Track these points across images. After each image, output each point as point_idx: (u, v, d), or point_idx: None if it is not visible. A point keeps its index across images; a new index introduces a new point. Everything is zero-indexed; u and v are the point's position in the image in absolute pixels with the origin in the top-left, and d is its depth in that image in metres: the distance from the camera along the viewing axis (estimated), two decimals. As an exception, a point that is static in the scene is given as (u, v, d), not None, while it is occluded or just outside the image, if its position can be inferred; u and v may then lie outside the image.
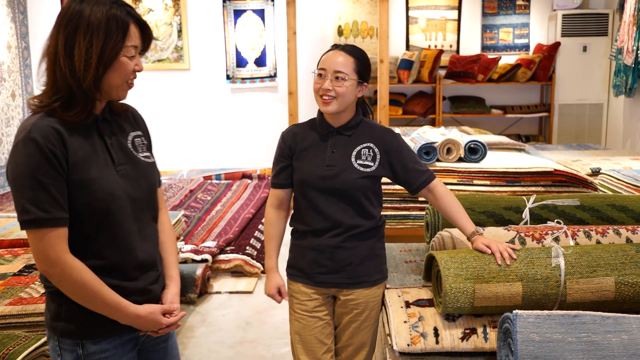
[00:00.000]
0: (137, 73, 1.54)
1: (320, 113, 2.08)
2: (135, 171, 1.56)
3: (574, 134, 6.25)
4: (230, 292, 3.91)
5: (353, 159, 2.05)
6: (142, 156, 1.60)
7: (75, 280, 1.42)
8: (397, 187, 3.09)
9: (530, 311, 1.55)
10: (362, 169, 2.05)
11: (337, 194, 2.02)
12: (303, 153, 2.05)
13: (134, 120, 1.66)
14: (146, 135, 1.68)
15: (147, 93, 6.51)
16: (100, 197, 1.45)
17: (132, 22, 1.48)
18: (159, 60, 6.59)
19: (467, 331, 1.87)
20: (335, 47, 2.06)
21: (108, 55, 1.43)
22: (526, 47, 6.54)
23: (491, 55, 6.32)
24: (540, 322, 1.51)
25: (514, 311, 1.55)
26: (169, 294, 1.64)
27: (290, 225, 2.12)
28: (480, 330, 1.87)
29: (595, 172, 3.67)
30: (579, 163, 4.00)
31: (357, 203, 2.03)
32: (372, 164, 2.06)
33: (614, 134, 5.99)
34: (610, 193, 2.84)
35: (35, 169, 1.37)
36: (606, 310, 1.88)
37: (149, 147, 1.67)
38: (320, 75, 2.03)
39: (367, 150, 2.08)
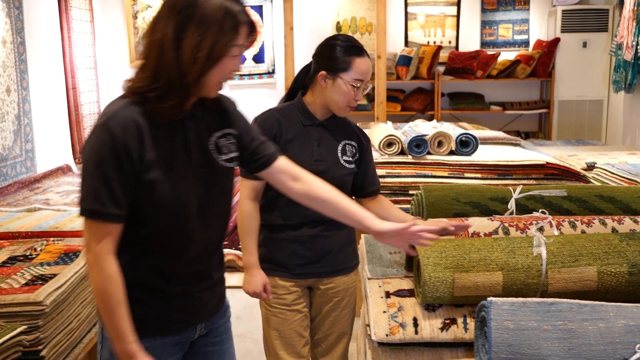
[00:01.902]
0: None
1: (302, 102, 2.06)
2: (212, 176, 1.50)
3: (574, 131, 6.20)
4: (222, 287, 3.90)
5: (339, 155, 2.03)
6: (224, 159, 1.52)
7: (99, 282, 1.37)
8: (388, 180, 3.06)
9: (506, 298, 1.52)
10: (347, 165, 2.03)
11: None
12: (288, 145, 2.01)
13: (226, 115, 1.56)
14: (239, 128, 1.58)
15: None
16: (170, 201, 1.41)
17: (245, 20, 1.41)
18: (157, 57, 6.57)
19: (447, 321, 1.84)
20: (364, 52, 1.97)
21: (218, 52, 1.37)
22: (526, 43, 6.49)
23: (490, 52, 6.27)
24: (515, 309, 1.48)
25: (489, 298, 1.52)
26: None
27: (261, 219, 2.05)
28: (460, 320, 1.84)
29: (590, 167, 3.62)
30: (574, 158, 3.95)
31: None
32: (353, 161, 2.05)
33: (614, 131, 5.93)
34: (597, 184, 2.80)
35: (103, 161, 1.33)
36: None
37: (240, 142, 1.58)
38: (356, 87, 1.96)
39: (350, 146, 2.06)
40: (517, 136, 6.10)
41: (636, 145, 5.26)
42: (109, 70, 6.34)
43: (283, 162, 1.65)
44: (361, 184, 2.10)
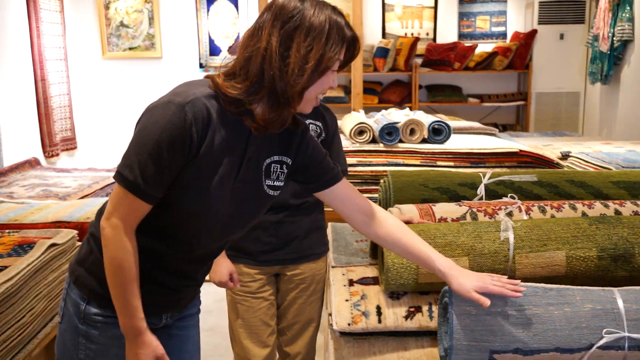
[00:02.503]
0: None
1: None
2: (250, 195, 1.42)
3: (551, 123, 6.18)
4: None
5: None
6: (268, 184, 1.46)
7: (117, 256, 1.32)
8: (359, 169, 2.99)
9: (466, 283, 1.45)
10: None
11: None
12: None
13: (290, 141, 1.47)
14: (299, 161, 1.49)
15: (118, 82, 6.36)
16: (198, 203, 1.34)
17: (349, 35, 1.34)
18: (130, 49, 6.44)
19: (412, 309, 1.77)
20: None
21: (325, 64, 1.30)
22: (503, 35, 6.46)
23: (468, 43, 6.23)
24: (476, 294, 1.41)
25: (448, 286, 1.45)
26: None
27: None
28: (425, 308, 1.77)
29: (565, 156, 3.58)
30: (549, 147, 3.91)
31: None
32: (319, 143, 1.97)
33: (591, 122, 5.92)
34: (568, 169, 2.75)
35: (165, 140, 1.26)
36: (558, 287, 1.79)
37: (287, 177, 1.51)
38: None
39: (315, 127, 1.99)
40: (495, 128, 6.06)
41: (612, 136, 5.25)
42: (80, 62, 6.20)
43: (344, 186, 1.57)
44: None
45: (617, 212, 1.97)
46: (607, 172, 2.29)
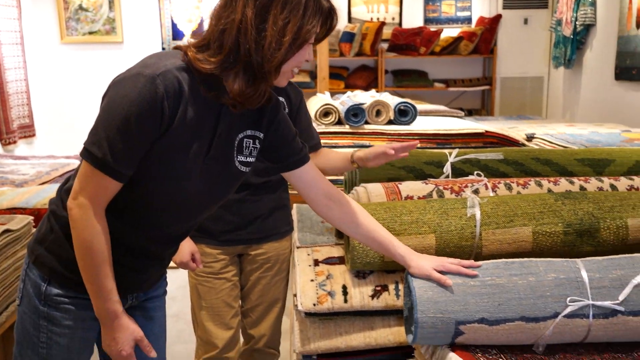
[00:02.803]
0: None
1: None
2: (221, 172, 1.37)
3: (516, 107, 6.23)
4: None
5: None
6: (240, 161, 1.40)
7: (85, 237, 1.26)
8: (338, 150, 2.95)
9: (431, 257, 1.43)
10: None
11: None
12: None
13: (262, 117, 1.42)
14: (271, 137, 1.44)
15: (77, 68, 6.19)
16: (167, 180, 1.28)
17: (327, 6, 1.29)
18: (89, 33, 6.26)
19: (378, 288, 1.74)
20: None
21: (303, 36, 1.24)
22: (468, 19, 6.47)
23: (433, 28, 6.22)
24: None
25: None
26: None
27: None
28: (391, 287, 1.74)
29: (530, 138, 3.60)
30: (514, 129, 3.92)
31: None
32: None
33: (554, 106, 5.99)
34: (533, 148, 2.75)
35: (135, 114, 1.19)
36: (524, 262, 1.78)
37: (262, 152, 1.45)
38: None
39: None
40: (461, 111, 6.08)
41: (575, 119, 5.31)
42: (37, 47, 6.01)
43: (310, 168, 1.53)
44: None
45: (582, 188, 1.97)
46: (572, 150, 2.30)
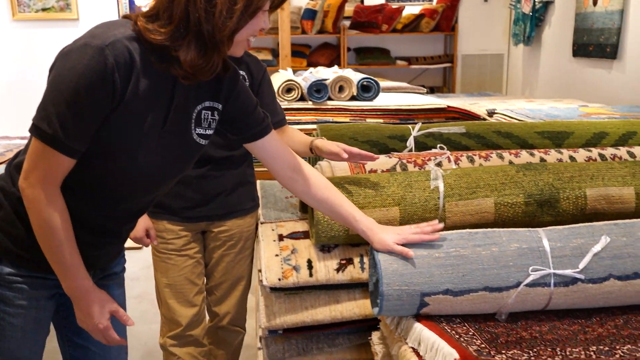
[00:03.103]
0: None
1: None
2: (178, 146, 1.31)
3: (477, 84, 6.29)
4: (118, 249, 3.66)
5: None
6: (199, 133, 1.36)
7: (44, 217, 1.22)
8: (301, 126, 2.92)
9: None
10: None
11: None
12: None
13: (220, 87, 1.37)
14: (229, 108, 1.39)
15: (30, 47, 5.98)
16: (122, 155, 1.23)
17: None
18: (43, 10, 6.05)
19: (343, 262, 1.74)
20: None
21: (255, 3, 1.20)
22: (430, -3, 6.48)
23: (395, 5, 6.20)
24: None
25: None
26: None
27: None
28: (357, 260, 1.74)
29: (491, 113, 3.64)
30: (476, 105, 3.96)
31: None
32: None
33: (514, 83, 6.07)
34: (495, 121, 2.78)
35: (84, 87, 1.14)
36: (486, 234, 1.80)
37: (218, 125, 1.40)
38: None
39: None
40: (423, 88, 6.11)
41: (534, 95, 5.39)
42: (-13, 23, 5.79)
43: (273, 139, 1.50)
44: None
45: (542, 160, 2.00)
46: (532, 122, 2.33)
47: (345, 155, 1.72)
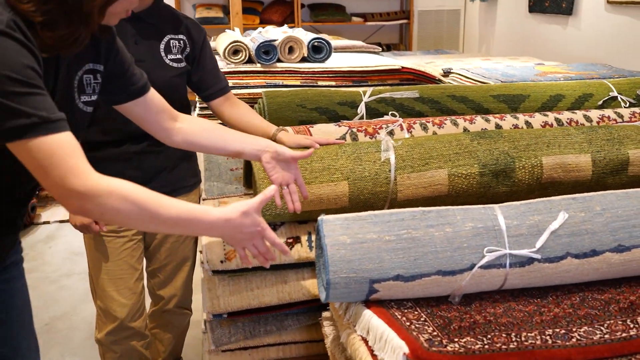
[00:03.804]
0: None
1: None
2: (70, 120, 1.13)
3: (433, 41, 6.18)
4: (61, 222, 3.48)
5: (163, 53, 1.70)
6: (84, 101, 1.22)
7: (119, 208, 1.06)
8: (235, 92, 2.76)
9: (340, 215, 1.32)
10: (174, 64, 1.72)
11: None
12: None
13: (99, 46, 1.24)
14: (108, 70, 1.27)
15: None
16: None
17: None
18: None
19: (290, 240, 1.63)
20: None
21: None
22: (385, -50, 6.27)
23: (350, -41, 6.00)
24: (349, 223, 1.29)
25: (320, 216, 1.31)
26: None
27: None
28: (304, 238, 1.64)
29: (447, 73, 3.54)
30: (431, 65, 3.86)
31: (170, 104, 1.70)
32: (182, 58, 1.73)
33: (471, 40, 5.98)
34: (449, 84, 2.69)
35: (17, 64, 0.98)
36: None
37: (105, 81, 1.26)
38: None
39: (176, 41, 1.74)
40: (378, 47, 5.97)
41: (491, 52, 5.32)
42: None
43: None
44: (202, 83, 1.79)
45: (497, 126, 1.92)
46: (488, 86, 2.24)
47: (318, 146, 1.62)
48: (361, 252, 1.25)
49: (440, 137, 1.72)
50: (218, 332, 1.69)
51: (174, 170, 1.77)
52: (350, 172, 1.60)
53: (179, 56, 1.70)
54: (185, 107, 1.77)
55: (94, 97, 1.25)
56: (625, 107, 2.19)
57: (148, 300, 1.92)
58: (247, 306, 1.63)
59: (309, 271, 1.67)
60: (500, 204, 1.38)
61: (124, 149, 1.69)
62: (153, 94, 1.39)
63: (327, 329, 1.55)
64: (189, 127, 1.44)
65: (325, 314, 1.59)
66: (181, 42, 1.73)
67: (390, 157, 1.64)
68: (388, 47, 6.20)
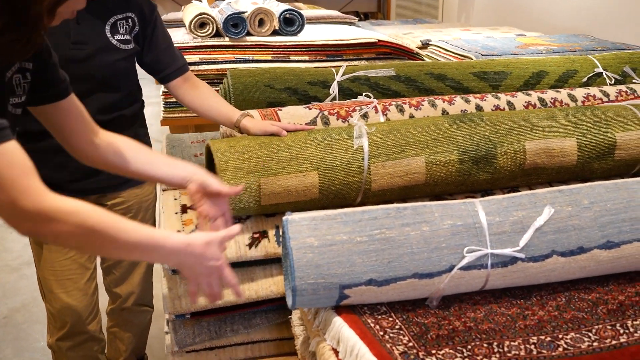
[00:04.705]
0: None
1: None
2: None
3: (412, 9, 6.01)
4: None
5: (109, 34, 1.54)
6: (14, 103, 1.10)
7: (83, 231, 0.95)
8: (202, 67, 2.61)
9: (306, 214, 1.20)
10: (122, 45, 1.55)
11: (92, 81, 1.51)
12: None
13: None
14: (35, 68, 1.13)
15: None
16: None
17: None
18: None
19: (256, 235, 1.52)
20: None
21: None
22: None
23: None
24: (317, 223, 1.17)
25: (285, 215, 1.20)
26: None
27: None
28: (271, 232, 1.52)
29: (425, 44, 3.41)
30: (409, 36, 3.71)
31: (117, 90, 1.55)
32: (131, 39, 1.57)
33: (450, 8, 5.82)
34: (427, 61, 2.56)
35: None
36: (417, 197, 1.62)
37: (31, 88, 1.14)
38: None
39: (124, 21, 1.57)
40: (356, 17, 5.79)
41: (470, 21, 5.18)
42: None
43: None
44: (156, 64, 1.63)
45: (478, 107, 1.81)
46: (468, 62, 2.12)
47: (285, 133, 1.50)
48: (330, 255, 1.14)
49: (417, 122, 1.60)
50: (181, 333, 1.58)
51: None
52: (320, 162, 1.48)
53: (127, 37, 1.54)
54: (136, 94, 1.62)
55: (23, 99, 1.11)
56: (610, 83, 2.09)
57: (105, 298, 1.80)
58: (212, 306, 1.52)
59: (277, 267, 1.55)
60: (482, 199, 1.27)
61: None
62: (74, 100, 1.23)
63: (298, 329, 1.45)
64: (110, 145, 1.27)
65: (296, 312, 1.48)
66: (129, 20, 1.56)
67: (363, 144, 1.52)
68: (366, 16, 6.03)
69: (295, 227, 1.17)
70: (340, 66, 1.98)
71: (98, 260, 1.70)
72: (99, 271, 1.72)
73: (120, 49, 1.53)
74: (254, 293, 1.54)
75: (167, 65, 1.61)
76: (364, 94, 1.83)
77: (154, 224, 1.74)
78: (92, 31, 1.50)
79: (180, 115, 2.66)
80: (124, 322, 1.79)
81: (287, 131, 1.54)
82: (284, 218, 1.19)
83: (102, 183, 1.60)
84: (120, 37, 1.53)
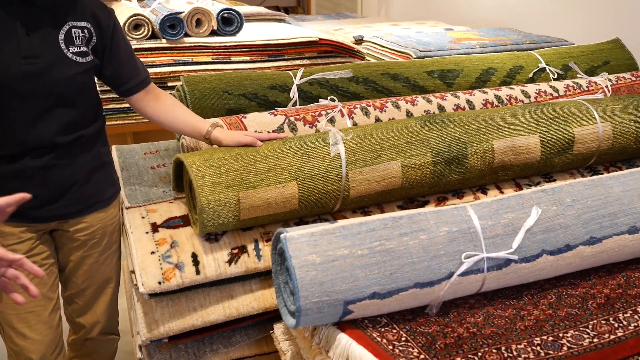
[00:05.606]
0: None
1: None
2: None
3: (332, 4, 6.02)
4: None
5: (62, 45, 1.40)
6: None
7: None
8: (156, 69, 2.48)
9: (302, 230, 1.16)
10: (78, 58, 1.42)
11: (50, 98, 1.38)
12: None
13: None
14: None
15: None
16: None
17: None
18: None
19: (235, 251, 1.46)
20: None
21: None
22: None
23: None
24: (316, 239, 1.13)
25: (283, 234, 1.15)
26: None
27: None
28: (250, 247, 1.47)
29: (359, 40, 3.42)
30: (341, 32, 3.72)
31: (75, 108, 1.43)
32: (89, 50, 1.45)
33: (369, 2, 5.88)
34: (381, 61, 2.57)
35: None
36: (392, 200, 1.61)
37: None
38: None
39: (80, 30, 1.44)
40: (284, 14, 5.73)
41: (390, 14, 5.25)
42: None
43: None
44: (117, 78, 1.51)
45: (440, 107, 1.82)
46: (420, 61, 2.13)
47: (260, 144, 1.44)
48: (333, 271, 1.11)
49: (390, 125, 1.59)
50: (158, 358, 1.50)
51: (87, 185, 1.49)
52: (298, 171, 1.44)
53: (83, 49, 1.41)
54: (96, 107, 1.51)
55: None
56: (554, 78, 2.17)
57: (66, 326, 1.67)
58: (191, 327, 1.45)
59: (257, 282, 1.50)
60: (472, 203, 1.28)
61: (21, 164, 1.40)
62: None
63: (283, 345, 1.41)
64: None
65: (278, 326, 1.44)
66: (85, 31, 1.43)
67: (340, 151, 1.49)
68: (286, 11, 5.98)
69: (294, 244, 1.12)
70: (293, 67, 1.94)
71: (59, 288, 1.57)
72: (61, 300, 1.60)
73: (77, 62, 1.40)
74: (235, 311, 1.48)
75: (130, 78, 1.51)
76: (328, 98, 1.80)
77: (119, 246, 1.63)
78: (43, 42, 1.37)
79: (117, 122, 2.52)
80: (88, 353, 1.67)
81: (261, 141, 1.49)
82: (282, 235, 1.15)
83: (63, 210, 1.47)
84: (75, 49, 1.40)
